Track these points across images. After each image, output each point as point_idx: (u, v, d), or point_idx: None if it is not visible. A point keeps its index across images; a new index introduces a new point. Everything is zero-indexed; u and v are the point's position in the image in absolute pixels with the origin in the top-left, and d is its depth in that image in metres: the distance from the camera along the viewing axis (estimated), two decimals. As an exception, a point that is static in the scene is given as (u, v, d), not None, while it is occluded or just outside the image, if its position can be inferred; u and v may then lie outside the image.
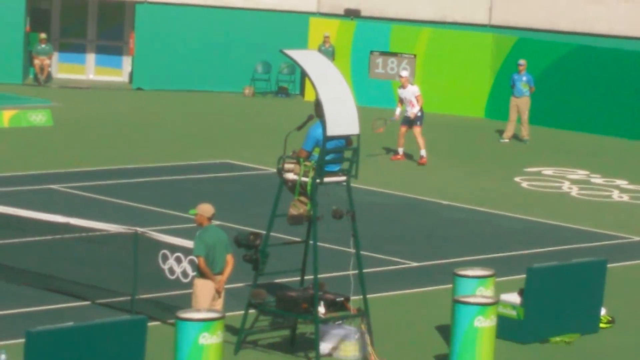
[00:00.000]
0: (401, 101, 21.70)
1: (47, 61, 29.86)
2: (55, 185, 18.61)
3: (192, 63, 29.49)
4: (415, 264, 14.48)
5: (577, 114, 26.39)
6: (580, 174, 22.59)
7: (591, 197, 20.17)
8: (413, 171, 21.88)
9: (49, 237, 13.34)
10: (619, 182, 21.43)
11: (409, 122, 21.49)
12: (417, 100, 21.35)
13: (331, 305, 10.25)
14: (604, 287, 11.72)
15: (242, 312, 10.27)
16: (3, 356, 8.20)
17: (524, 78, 24.92)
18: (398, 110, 21.68)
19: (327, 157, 9.95)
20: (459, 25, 29.15)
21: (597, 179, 21.69)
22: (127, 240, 12.17)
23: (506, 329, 11.10)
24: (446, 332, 10.58)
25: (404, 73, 22.38)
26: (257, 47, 29.16)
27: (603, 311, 11.72)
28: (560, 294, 11.78)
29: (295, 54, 10.65)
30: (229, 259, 9.99)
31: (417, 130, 21.49)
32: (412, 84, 21.67)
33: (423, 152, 21.69)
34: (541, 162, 23.09)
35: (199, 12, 29.59)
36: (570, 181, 21.93)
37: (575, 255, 14.33)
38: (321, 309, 10.03)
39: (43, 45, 29.71)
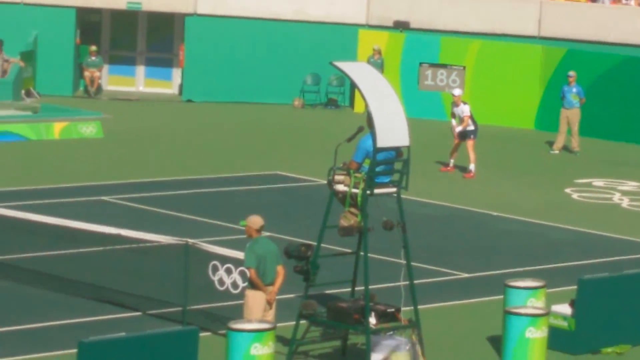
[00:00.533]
0: (453, 115, 22.30)
1: (97, 73, 30.37)
2: (107, 197, 19.02)
3: (241, 75, 29.83)
4: (465, 275, 14.70)
5: (628, 125, 26.60)
6: (631, 185, 22.90)
7: (642, 209, 20.65)
8: (463, 183, 22.16)
9: (101, 249, 13.63)
10: (670, 193, 21.78)
11: (463, 135, 21.84)
12: (463, 121, 21.58)
13: (382, 316, 10.36)
14: (655, 298, 12.12)
15: (294, 322, 10.40)
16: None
17: (574, 89, 25.25)
18: (453, 122, 22.23)
19: (378, 169, 10.07)
20: (509, 37, 29.24)
21: (648, 190, 22.20)
22: (177, 251, 12.39)
23: (557, 340, 11.28)
24: (497, 343, 10.71)
25: (457, 92, 22.72)
26: (307, 59, 29.50)
27: (655, 322, 12.00)
28: (612, 305, 11.92)
29: (345, 66, 10.78)
30: (280, 270, 10.17)
31: (469, 143, 21.71)
32: (464, 103, 22.02)
33: (472, 167, 21.92)
34: (592, 173, 23.19)
35: (248, 24, 29.90)
36: (621, 192, 22.14)
37: (627, 267, 14.60)
38: (372, 320, 10.13)
39: (93, 58, 30.28)
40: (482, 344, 11.55)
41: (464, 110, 21.75)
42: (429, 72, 28.10)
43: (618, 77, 26.61)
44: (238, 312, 10.26)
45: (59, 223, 13.27)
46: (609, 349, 11.42)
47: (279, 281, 10.16)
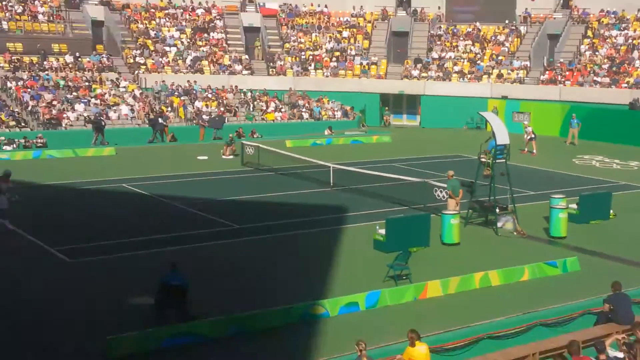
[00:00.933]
0: (525, 132, 37.21)
1: (389, 118, 49.40)
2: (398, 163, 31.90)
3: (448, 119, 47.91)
4: (532, 192, 24.27)
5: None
6: (607, 160, 35.22)
7: None
8: (531, 159, 34.71)
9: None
10: None
11: (530, 139, 36.77)
12: (527, 133, 37.25)
13: (501, 209, 21.31)
14: None
15: (467, 211, 21.90)
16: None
17: (575, 121, 41.26)
18: (525, 135, 37.49)
19: (497, 152, 21.01)
20: (541, 101, 44.24)
21: None
22: (421, 185, 24.11)
23: (572, 217, 21.62)
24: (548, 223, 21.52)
25: (526, 122, 41.83)
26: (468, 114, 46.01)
27: None
28: (593, 202, 22.40)
29: (484, 113, 22.73)
30: (460, 192, 21.23)
31: (534, 143, 36.82)
32: (529, 127, 38.39)
33: (535, 151, 36.30)
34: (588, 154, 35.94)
35: (451, 99, 47.81)
36: (597, 161, 33.93)
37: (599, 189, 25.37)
38: (497, 210, 21.14)
39: (387, 111, 49.42)
40: (542, 222, 21.64)
41: (528, 130, 36.24)
42: (516, 115, 44.27)
43: None
44: (444, 207, 21.09)
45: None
46: (593, 222, 21.90)
47: (460, 195, 21.45)
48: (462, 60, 51.24)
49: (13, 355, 12.56)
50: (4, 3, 47.00)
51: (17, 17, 46.13)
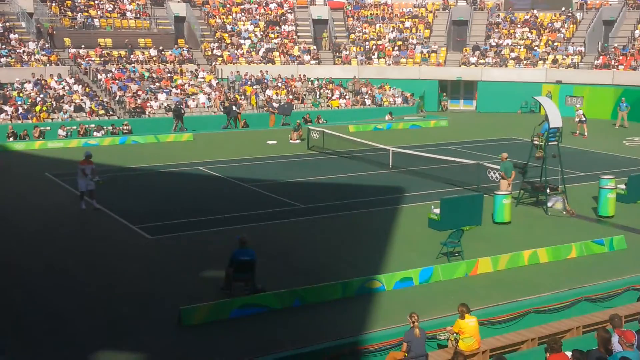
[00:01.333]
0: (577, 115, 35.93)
1: (446, 103, 48.78)
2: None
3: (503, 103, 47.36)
4: (582, 173, 24.39)
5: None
6: None
7: None
8: (583, 140, 33.08)
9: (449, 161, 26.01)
10: None
11: (581, 121, 35.77)
12: (578, 116, 36.20)
13: (552, 189, 21.10)
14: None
15: (519, 192, 21.35)
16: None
17: (624, 104, 40.01)
18: (576, 117, 35.88)
19: (550, 135, 20.82)
20: (600, 85, 40.30)
21: None
22: (475, 167, 23.98)
23: (620, 197, 21.18)
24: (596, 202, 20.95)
25: (579, 106, 39.24)
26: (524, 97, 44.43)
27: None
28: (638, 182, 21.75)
29: (538, 97, 22.22)
30: (513, 173, 20.97)
31: (584, 125, 35.75)
32: (579, 110, 36.39)
33: (586, 133, 35.46)
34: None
35: (508, 84, 47.23)
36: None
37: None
38: (548, 191, 20.91)
39: (444, 97, 48.82)
40: (591, 202, 21.15)
41: (579, 113, 34.83)
42: (569, 99, 42.44)
43: None
44: (496, 188, 21.14)
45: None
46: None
47: (513, 176, 21.11)
48: (518, 47, 50.09)
49: (94, 325, 13.00)
50: (96, 2, 48.18)
51: (108, 14, 47.26)
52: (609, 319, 10.93)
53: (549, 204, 20.93)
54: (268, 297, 13.81)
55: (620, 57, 45.90)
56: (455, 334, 11.56)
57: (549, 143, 20.85)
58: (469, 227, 18.49)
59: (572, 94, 44.51)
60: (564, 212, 20.61)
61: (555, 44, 49.51)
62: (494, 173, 22.71)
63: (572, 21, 51.25)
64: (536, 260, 16.43)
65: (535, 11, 53.13)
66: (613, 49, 46.96)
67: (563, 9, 52.55)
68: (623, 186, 21.51)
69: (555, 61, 47.35)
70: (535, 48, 49.60)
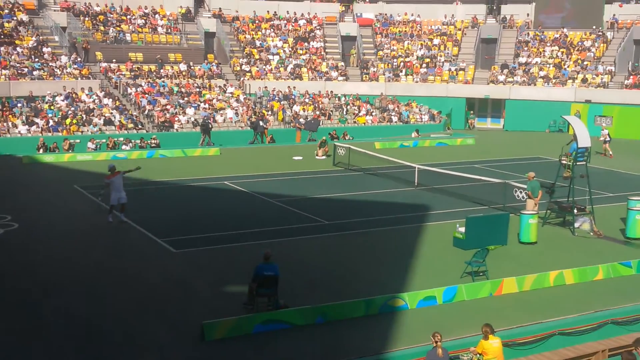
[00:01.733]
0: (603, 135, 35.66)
1: (474, 121, 48.67)
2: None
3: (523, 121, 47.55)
4: (610, 194, 22.75)
5: None
6: None
7: None
8: (609, 160, 31.95)
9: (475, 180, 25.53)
10: None
11: (605, 141, 35.40)
12: (603, 135, 35.45)
13: (579, 210, 20.88)
14: None
15: (546, 211, 21.13)
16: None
17: None
18: (601, 137, 35.85)
19: (578, 155, 20.61)
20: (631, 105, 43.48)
21: None
22: (501, 185, 23.73)
23: None
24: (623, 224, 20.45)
25: (605, 125, 38.83)
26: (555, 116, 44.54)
27: None
28: None
29: (567, 117, 22.05)
30: (540, 192, 20.62)
31: (607, 145, 35.07)
32: (605, 130, 36.14)
33: (610, 153, 36.39)
34: None
35: (533, 103, 47.37)
36: None
37: None
38: (575, 211, 20.66)
39: (472, 114, 47.78)
40: (619, 224, 20.87)
41: (604, 133, 34.56)
42: (598, 119, 41.74)
43: None
44: (522, 207, 21.06)
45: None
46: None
47: (539, 196, 20.87)
48: (547, 65, 49.80)
49: (116, 338, 13.08)
50: (128, 17, 48.88)
51: (139, 29, 47.90)
52: (633, 342, 10.76)
53: (576, 225, 20.68)
54: (291, 314, 13.80)
55: (651, 77, 45.39)
56: (478, 355, 11.44)
57: (577, 163, 20.65)
58: (494, 246, 18.33)
59: (601, 114, 44.11)
60: (591, 233, 20.36)
61: (585, 63, 49.12)
62: (521, 192, 22.52)
63: (602, 40, 50.82)
64: (562, 282, 16.24)
65: (565, 30, 52.76)
66: (644, 69, 46.48)
67: (593, 27, 52.12)
68: (653, 208, 21.07)
69: (584, 80, 46.96)
70: (565, 67, 49.24)
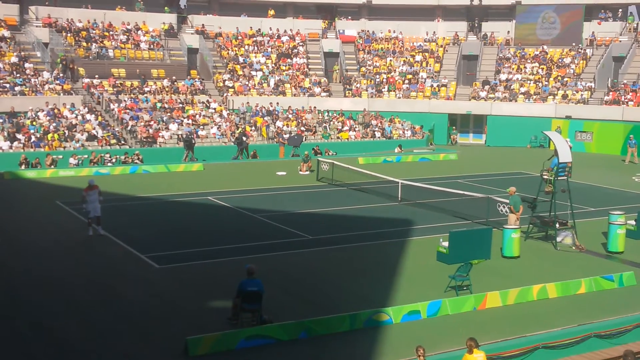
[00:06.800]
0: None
1: (456, 137, 47.97)
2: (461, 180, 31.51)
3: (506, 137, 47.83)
4: (592, 209, 22.59)
5: None
6: None
7: None
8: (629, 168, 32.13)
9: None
10: None
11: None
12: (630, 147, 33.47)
13: (561, 224, 20.97)
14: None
15: (528, 226, 21.39)
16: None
17: (633, 141, 39.77)
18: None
19: (559, 170, 20.68)
20: (607, 121, 41.36)
21: None
22: (484, 200, 23.71)
23: (630, 233, 20.88)
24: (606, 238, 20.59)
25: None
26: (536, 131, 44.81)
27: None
28: None
29: (547, 132, 22.18)
30: (521, 207, 20.61)
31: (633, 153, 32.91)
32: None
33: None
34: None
35: (515, 119, 47.54)
36: None
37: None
38: (557, 225, 20.70)
39: (454, 130, 47.80)
40: (600, 238, 20.98)
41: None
42: (579, 134, 42.49)
43: None
44: (505, 222, 20.97)
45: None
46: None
47: (520, 211, 20.79)
48: (528, 82, 50.29)
49: (100, 353, 12.92)
50: (110, 33, 48.77)
51: (122, 45, 47.79)
52: (622, 356, 10.80)
53: (558, 239, 20.79)
54: (275, 329, 13.72)
55: (630, 93, 45.93)
56: (462, 369, 11.43)
57: (558, 178, 20.79)
58: (477, 260, 18.29)
59: (581, 129, 44.51)
60: (574, 247, 20.47)
61: (565, 79, 49.65)
62: (504, 207, 22.61)
63: (582, 57, 51.41)
64: (545, 295, 16.29)
65: (545, 47, 53.32)
66: (623, 85, 47.02)
67: (573, 44, 52.73)
68: (633, 222, 21.35)
69: (565, 96, 47.45)
70: (545, 83, 49.73)
